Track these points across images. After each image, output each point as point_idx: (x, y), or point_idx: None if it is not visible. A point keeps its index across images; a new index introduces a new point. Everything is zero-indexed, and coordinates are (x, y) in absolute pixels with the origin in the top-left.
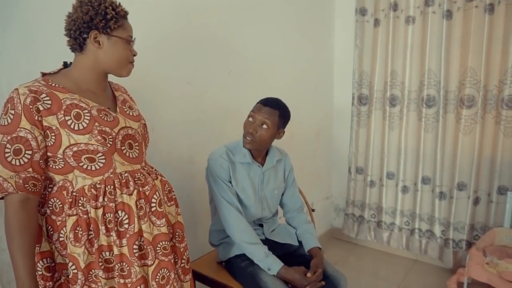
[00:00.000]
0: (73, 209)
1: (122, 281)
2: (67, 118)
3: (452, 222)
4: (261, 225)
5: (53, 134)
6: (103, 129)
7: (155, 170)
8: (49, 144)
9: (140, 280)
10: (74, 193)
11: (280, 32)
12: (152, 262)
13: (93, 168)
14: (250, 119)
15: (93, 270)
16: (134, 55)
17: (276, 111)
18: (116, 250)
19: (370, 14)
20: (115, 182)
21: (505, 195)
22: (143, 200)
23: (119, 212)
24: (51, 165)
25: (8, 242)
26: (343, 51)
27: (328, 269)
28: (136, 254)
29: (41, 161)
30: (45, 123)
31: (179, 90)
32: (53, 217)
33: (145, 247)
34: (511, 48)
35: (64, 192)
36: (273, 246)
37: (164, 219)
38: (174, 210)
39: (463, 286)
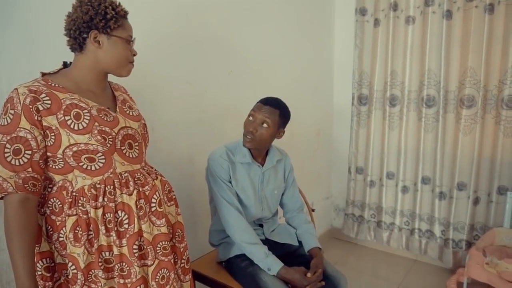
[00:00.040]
0: (72, 209)
1: (122, 281)
2: (66, 118)
3: (452, 222)
4: (261, 225)
5: (52, 134)
6: (103, 129)
7: (155, 170)
8: (49, 144)
9: (140, 280)
10: (74, 193)
11: (280, 32)
12: (152, 262)
13: (93, 168)
14: (251, 118)
15: (92, 270)
16: (134, 55)
17: (277, 110)
18: (116, 250)
19: (370, 14)
20: (115, 182)
21: (505, 195)
22: (143, 200)
23: (119, 212)
24: (50, 165)
25: (8, 242)
26: (343, 51)
27: (328, 269)
28: (136, 254)
29: (40, 161)
30: (44, 123)
31: (179, 90)
32: (53, 217)
33: (145, 247)
34: (511, 48)
35: (64, 192)
36: (273, 246)
37: (164, 219)
38: (174, 210)
39: (463, 286)
